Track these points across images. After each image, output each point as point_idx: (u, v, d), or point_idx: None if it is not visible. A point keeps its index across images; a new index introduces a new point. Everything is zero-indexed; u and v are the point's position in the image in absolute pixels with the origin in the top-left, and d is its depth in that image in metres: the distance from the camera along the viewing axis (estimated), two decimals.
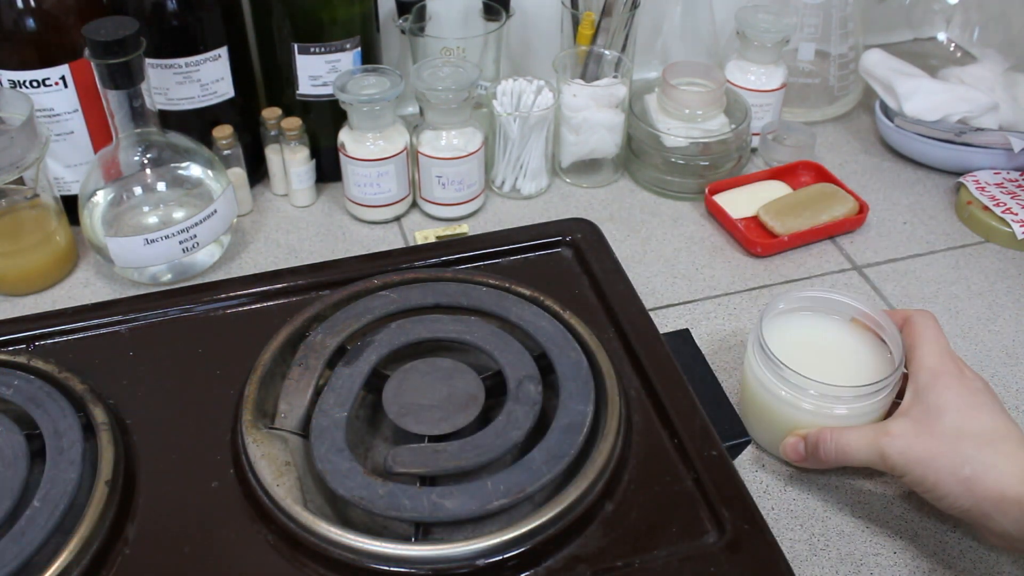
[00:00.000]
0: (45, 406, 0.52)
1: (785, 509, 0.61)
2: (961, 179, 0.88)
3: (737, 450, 0.57)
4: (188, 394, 0.55)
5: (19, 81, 0.73)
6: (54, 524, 0.47)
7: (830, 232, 0.84)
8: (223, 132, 0.82)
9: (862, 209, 0.85)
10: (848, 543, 0.59)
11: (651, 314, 0.60)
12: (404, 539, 0.48)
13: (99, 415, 0.52)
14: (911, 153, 0.93)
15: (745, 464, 0.64)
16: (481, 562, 0.46)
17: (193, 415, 0.54)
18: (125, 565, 0.47)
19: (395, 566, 0.46)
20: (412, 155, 0.83)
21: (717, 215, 0.85)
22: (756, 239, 0.81)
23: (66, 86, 0.74)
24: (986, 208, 0.84)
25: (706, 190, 0.86)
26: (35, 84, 0.74)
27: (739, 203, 0.85)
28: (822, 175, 0.90)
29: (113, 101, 0.71)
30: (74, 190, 0.79)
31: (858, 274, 0.80)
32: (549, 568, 0.46)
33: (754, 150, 0.94)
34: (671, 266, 0.81)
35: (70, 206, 0.78)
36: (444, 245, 0.66)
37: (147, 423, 0.54)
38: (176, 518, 0.49)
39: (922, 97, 0.90)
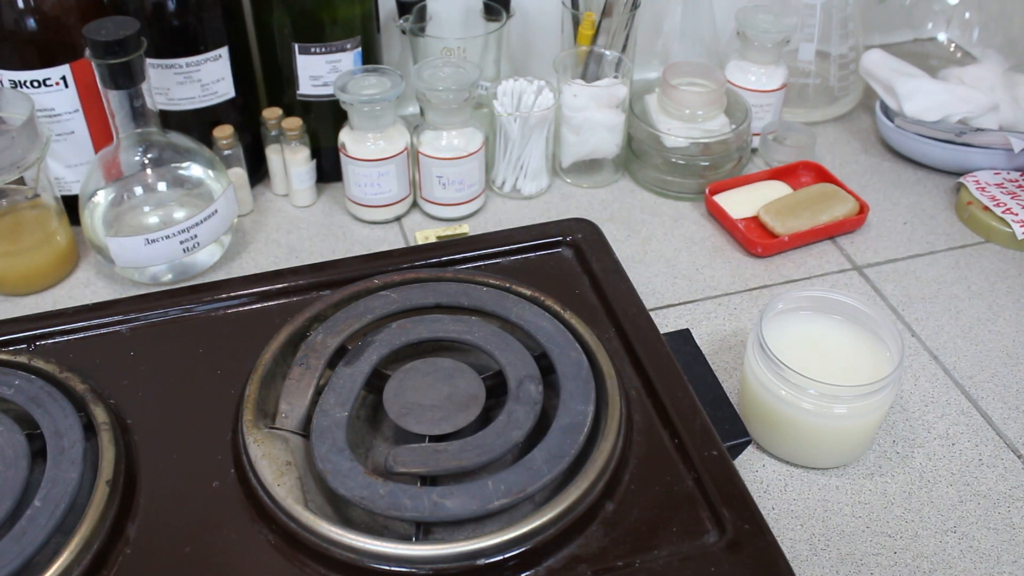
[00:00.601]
0: (46, 406, 0.52)
1: (785, 509, 0.61)
2: (961, 179, 0.88)
3: (737, 450, 0.57)
4: (189, 394, 0.55)
5: (20, 81, 0.73)
6: (55, 524, 0.47)
7: (830, 232, 0.84)
8: (224, 132, 0.82)
9: (862, 209, 0.85)
10: (848, 543, 0.59)
11: (651, 314, 0.60)
12: (405, 539, 0.48)
13: (100, 415, 0.52)
14: (911, 153, 0.93)
15: (745, 464, 0.64)
16: (481, 562, 0.46)
17: (194, 415, 0.54)
18: (126, 565, 0.47)
19: (396, 566, 0.46)
20: (413, 155, 0.83)
21: (717, 215, 0.85)
22: (756, 239, 0.81)
23: (67, 86, 0.74)
24: (986, 208, 0.84)
25: (706, 190, 0.86)
26: (36, 84, 0.74)
27: (739, 203, 0.85)
28: (822, 175, 0.90)
29: (114, 101, 0.72)
30: (75, 190, 0.79)
31: (858, 274, 0.80)
32: (549, 568, 0.46)
33: (754, 150, 0.94)
34: (671, 266, 0.81)
35: (71, 206, 0.79)
36: (445, 245, 0.66)
37: (148, 423, 0.54)
38: (177, 518, 0.49)
39: (922, 97, 0.90)
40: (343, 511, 0.50)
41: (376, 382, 0.56)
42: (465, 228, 0.84)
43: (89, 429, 0.52)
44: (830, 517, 0.60)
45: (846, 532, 0.59)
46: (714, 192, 0.86)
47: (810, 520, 0.60)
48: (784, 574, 0.46)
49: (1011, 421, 0.67)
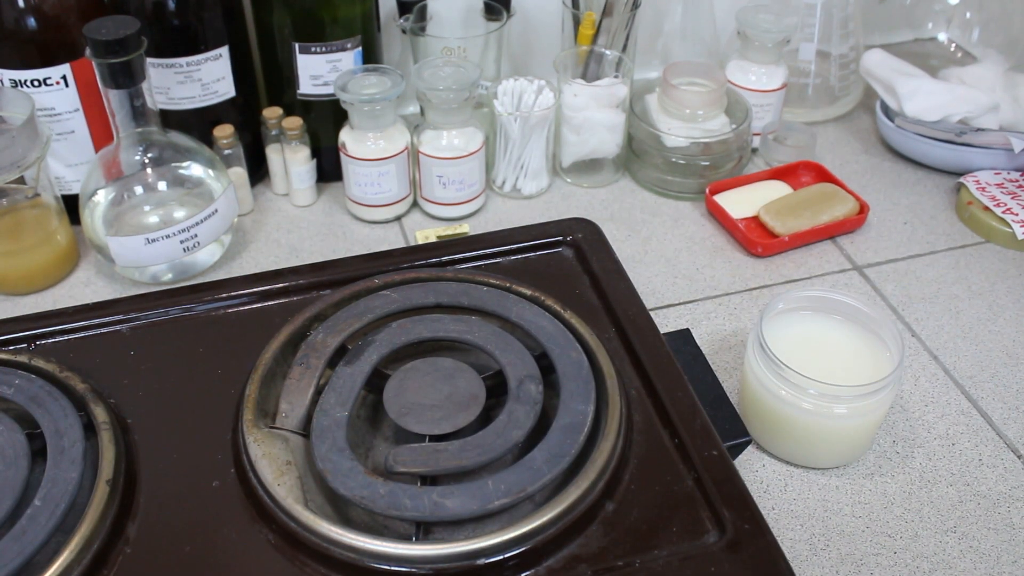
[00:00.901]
0: (46, 405, 0.52)
1: (785, 509, 0.61)
2: (962, 179, 0.88)
3: (737, 450, 0.57)
4: (189, 393, 0.55)
5: (20, 80, 0.73)
6: (55, 523, 0.47)
7: (830, 232, 0.84)
8: (224, 131, 0.82)
9: (862, 209, 0.85)
10: (848, 543, 0.59)
11: (652, 314, 0.60)
12: (405, 538, 0.48)
13: (100, 414, 0.52)
14: (911, 153, 0.93)
15: (745, 464, 0.64)
16: (481, 561, 0.46)
17: (194, 414, 0.54)
18: (126, 565, 0.47)
19: (396, 565, 0.46)
20: (413, 155, 0.83)
21: (718, 215, 0.85)
22: (757, 239, 0.81)
23: (67, 85, 0.74)
24: (986, 208, 0.84)
25: (707, 190, 0.86)
26: (36, 83, 0.74)
27: (740, 203, 0.85)
28: (822, 175, 0.90)
29: (114, 100, 0.72)
30: (75, 189, 0.79)
31: (858, 274, 0.80)
32: (549, 568, 0.46)
33: (755, 150, 0.94)
34: (672, 266, 0.81)
35: (71, 205, 0.79)
36: (445, 245, 0.66)
37: (148, 422, 0.54)
38: (177, 517, 0.49)
39: (923, 97, 0.90)
40: (343, 511, 0.50)
41: (376, 382, 0.56)
42: (465, 228, 0.84)
43: (89, 428, 0.52)
44: (830, 517, 0.60)
45: (846, 532, 0.59)
46: (714, 192, 0.86)
47: (810, 520, 0.60)
48: (784, 574, 0.46)
49: (1011, 421, 0.67)
